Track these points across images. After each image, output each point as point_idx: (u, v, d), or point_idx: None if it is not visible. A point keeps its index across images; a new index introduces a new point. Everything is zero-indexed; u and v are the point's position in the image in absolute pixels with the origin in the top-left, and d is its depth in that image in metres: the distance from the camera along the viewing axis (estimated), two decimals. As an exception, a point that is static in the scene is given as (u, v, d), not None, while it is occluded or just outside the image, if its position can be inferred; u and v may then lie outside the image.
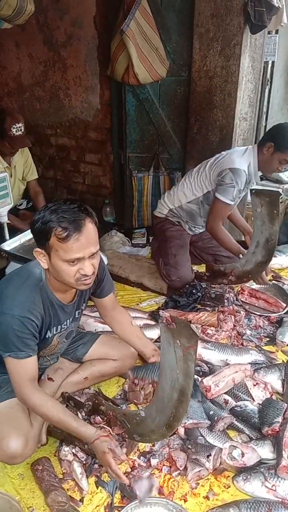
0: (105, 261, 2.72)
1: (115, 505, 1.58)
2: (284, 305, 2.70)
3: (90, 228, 1.47)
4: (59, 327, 1.73)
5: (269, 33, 3.92)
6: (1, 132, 3.02)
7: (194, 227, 3.05)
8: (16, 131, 3.02)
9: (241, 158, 2.68)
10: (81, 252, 1.46)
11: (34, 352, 1.59)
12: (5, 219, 2.77)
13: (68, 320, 1.76)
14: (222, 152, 2.82)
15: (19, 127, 3.04)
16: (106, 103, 3.77)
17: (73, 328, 1.86)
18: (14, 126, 3.00)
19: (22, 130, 3.08)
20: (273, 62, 5.05)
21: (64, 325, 1.75)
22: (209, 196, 2.81)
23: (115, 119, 3.79)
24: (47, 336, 1.69)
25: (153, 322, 2.56)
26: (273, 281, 3.07)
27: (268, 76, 5.07)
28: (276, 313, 2.68)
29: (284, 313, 2.66)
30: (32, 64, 4.00)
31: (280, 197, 2.67)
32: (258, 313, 2.68)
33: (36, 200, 3.54)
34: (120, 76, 3.27)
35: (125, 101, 3.52)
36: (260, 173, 2.88)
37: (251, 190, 2.49)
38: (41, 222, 1.45)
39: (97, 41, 3.54)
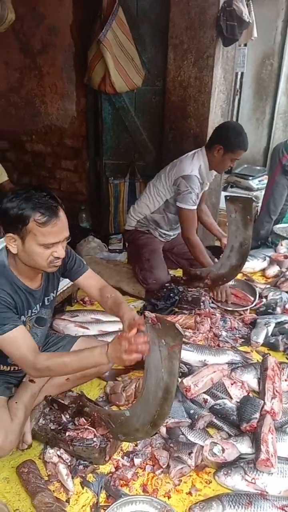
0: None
1: (100, 504, 1.61)
2: (252, 298, 2.84)
3: (62, 215, 1.62)
4: (30, 311, 1.79)
5: (238, 45, 4.07)
6: None
7: (164, 234, 3.14)
8: None
9: (191, 163, 2.81)
10: (58, 236, 1.61)
11: (20, 323, 1.64)
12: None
13: (38, 305, 1.83)
14: (174, 161, 2.93)
15: None
16: (82, 111, 3.81)
17: (43, 315, 1.89)
18: None
19: None
20: (242, 73, 5.24)
21: (34, 309, 1.82)
22: (169, 204, 2.94)
23: (91, 127, 3.83)
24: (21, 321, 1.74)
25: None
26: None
27: (238, 86, 5.25)
28: (245, 306, 2.80)
29: (252, 307, 2.80)
30: (8, 71, 3.99)
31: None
32: (230, 308, 2.79)
33: None
34: (97, 84, 3.33)
35: (101, 109, 3.58)
36: (214, 172, 3.03)
37: (225, 197, 2.58)
38: (17, 208, 1.54)
39: (74, 49, 3.58)
